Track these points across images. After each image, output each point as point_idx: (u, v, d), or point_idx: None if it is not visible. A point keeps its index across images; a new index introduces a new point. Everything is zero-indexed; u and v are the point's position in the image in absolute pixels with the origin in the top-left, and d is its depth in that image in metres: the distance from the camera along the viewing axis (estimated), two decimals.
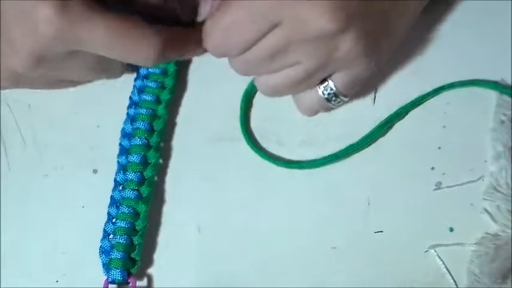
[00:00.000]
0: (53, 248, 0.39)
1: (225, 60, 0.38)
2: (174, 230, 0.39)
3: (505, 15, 0.41)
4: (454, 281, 0.37)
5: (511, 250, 0.37)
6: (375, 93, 0.41)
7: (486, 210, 0.38)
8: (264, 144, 0.40)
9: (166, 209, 0.39)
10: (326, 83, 0.36)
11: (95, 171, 0.40)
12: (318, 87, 0.37)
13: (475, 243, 0.38)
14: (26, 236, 0.39)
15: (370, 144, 0.39)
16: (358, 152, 0.39)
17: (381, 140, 0.40)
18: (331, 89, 0.36)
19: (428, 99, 0.40)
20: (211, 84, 0.41)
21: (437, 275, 0.37)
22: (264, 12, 0.33)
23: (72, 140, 0.40)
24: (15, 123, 0.41)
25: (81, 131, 0.40)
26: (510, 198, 0.38)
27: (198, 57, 0.41)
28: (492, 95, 0.40)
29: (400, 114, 0.40)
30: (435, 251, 0.38)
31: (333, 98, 0.37)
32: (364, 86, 0.38)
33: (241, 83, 0.41)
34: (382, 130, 0.39)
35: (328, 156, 0.39)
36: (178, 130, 0.40)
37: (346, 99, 0.37)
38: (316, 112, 0.39)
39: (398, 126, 0.40)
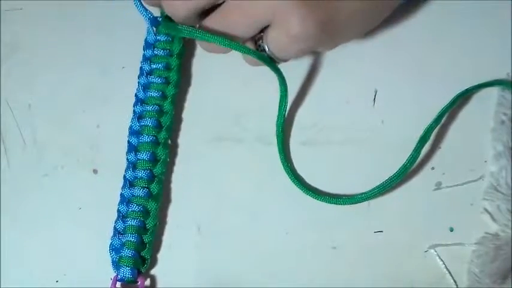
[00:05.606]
0: (53, 248, 0.38)
1: (228, 60, 0.38)
2: (174, 230, 0.39)
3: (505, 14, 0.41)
4: (454, 281, 0.37)
5: (511, 250, 0.37)
6: (375, 94, 0.41)
7: (486, 210, 0.38)
8: (265, 146, 0.40)
9: (165, 208, 0.39)
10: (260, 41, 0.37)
11: (95, 171, 0.40)
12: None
13: (475, 243, 0.38)
14: (26, 236, 0.39)
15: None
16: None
17: (380, 140, 0.40)
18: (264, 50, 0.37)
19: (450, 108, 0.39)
20: (212, 84, 0.41)
21: (437, 275, 0.37)
22: None
23: (72, 140, 0.40)
24: (15, 123, 0.41)
25: (81, 131, 0.40)
26: (510, 198, 0.38)
27: (200, 56, 0.41)
28: (493, 94, 0.40)
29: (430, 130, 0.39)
30: (435, 251, 0.38)
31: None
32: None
33: (242, 83, 0.41)
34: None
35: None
36: (178, 130, 0.40)
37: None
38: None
39: (398, 125, 0.40)
